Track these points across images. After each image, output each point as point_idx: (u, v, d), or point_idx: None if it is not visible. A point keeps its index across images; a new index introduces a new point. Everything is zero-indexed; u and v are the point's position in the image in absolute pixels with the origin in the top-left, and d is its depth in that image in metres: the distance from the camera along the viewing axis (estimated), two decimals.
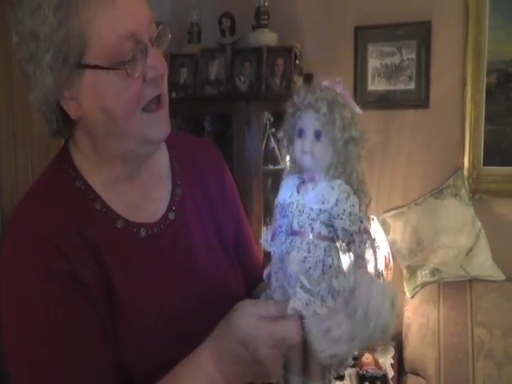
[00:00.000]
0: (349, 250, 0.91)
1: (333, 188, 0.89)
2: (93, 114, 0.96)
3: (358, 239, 0.90)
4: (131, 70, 0.92)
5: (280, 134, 0.99)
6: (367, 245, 0.92)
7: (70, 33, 0.89)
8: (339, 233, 0.89)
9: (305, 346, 0.91)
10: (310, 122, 0.91)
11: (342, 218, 0.88)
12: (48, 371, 0.89)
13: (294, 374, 0.93)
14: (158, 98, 0.98)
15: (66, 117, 0.98)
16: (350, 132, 0.91)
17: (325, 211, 0.88)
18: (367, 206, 0.95)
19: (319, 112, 0.89)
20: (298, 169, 0.95)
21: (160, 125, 1.00)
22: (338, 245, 0.91)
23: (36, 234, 0.94)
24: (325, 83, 0.95)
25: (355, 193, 0.91)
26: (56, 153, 1.10)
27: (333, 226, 0.88)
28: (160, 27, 1.00)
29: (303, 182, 0.93)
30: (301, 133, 0.92)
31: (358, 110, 0.94)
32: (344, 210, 0.88)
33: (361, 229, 0.90)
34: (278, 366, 0.89)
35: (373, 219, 2.88)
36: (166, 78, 1.01)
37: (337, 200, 0.88)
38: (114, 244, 1.00)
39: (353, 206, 0.88)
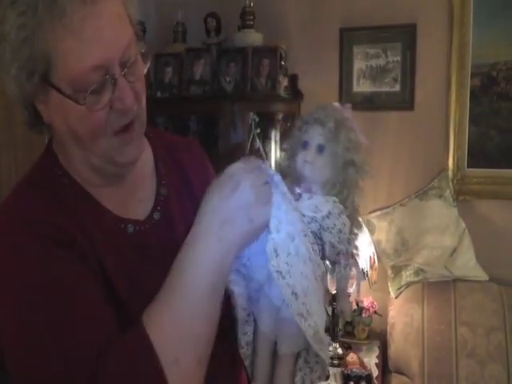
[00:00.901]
0: (333, 271, 0.92)
1: (327, 201, 0.90)
2: (60, 127, 0.95)
3: (343, 261, 0.91)
4: (93, 101, 0.88)
5: (284, 146, 1.01)
6: (352, 271, 0.94)
7: (35, 52, 0.87)
8: (326, 247, 0.90)
9: (274, 355, 0.92)
10: (315, 135, 0.94)
11: (331, 232, 0.89)
12: (41, 331, 0.87)
13: (257, 382, 0.94)
14: (129, 123, 0.95)
15: (41, 116, 0.97)
16: (352, 155, 0.93)
17: (316, 221, 0.88)
18: (357, 236, 0.96)
19: (325, 127, 0.93)
20: (291, 179, 0.96)
21: (128, 149, 0.97)
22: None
23: (24, 216, 0.93)
24: (335, 104, 0.97)
25: (348, 218, 0.91)
26: (41, 152, 1.08)
27: (321, 239, 0.89)
28: (143, 51, 0.97)
29: (299, 194, 0.94)
30: (305, 145, 0.95)
31: (363, 139, 0.96)
32: (334, 225, 0.89)
33: (348, 251, 0.91)
34: (261, 204, 0.90)
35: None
36: (142, 99, 0.98)
37: (329, 213, 0.89)
38: (104, 235, 0.99)
39: (344, 224, 0.90)
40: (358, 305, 2.98)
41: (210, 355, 0.89)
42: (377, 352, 2.94)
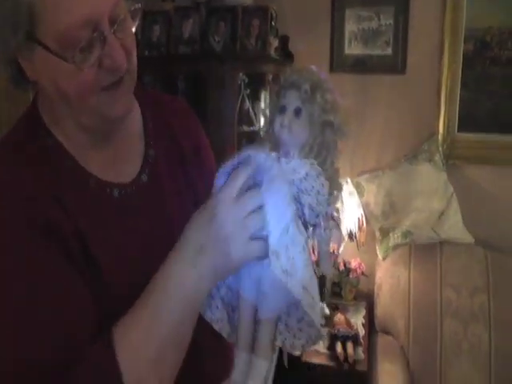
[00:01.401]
0: (313, 234, 0.92)
1: (305, 164, 0.89)
2: (46, 85, 0.92)
3: (323, 223, 0.90)
4: (82, 59, 0.85)
5: (265, 112, 1.00)
6: (332, 233, 0.93)
7: (19, 4, 0.83)
8: (306, 211, 0.89)
9: (256, 321, 0.92)
10: (291, 99, 0.92)
11: (309, 194, 0.88)
12: (23, 312, 0.85)
13: (241, 350, 0.93)
14: (119, 79, 0.92)
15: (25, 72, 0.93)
16: (329, 116, 0.92)
17: (294, 184, 0.88)
18: (337, 198, 0.95)
19: (301, 90, 0.91)
20: (271, 146, 0.95)
21: (118, 104, 0.94)
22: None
23: (2, 186, 0.90)
24: (311, 67, 0.96)
25: (327, 180, 0.91)
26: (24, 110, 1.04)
27: (300, 202, 0.89)
28: (132, 8, 0.93)
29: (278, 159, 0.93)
30: (282, 109, 0.93)
31: (340, 100, 0.95)
32: (313, 187, 0.88)
33: (328, 213, 0.91)
34: (241, 240, 0.86)
35: (347, 182, 2.90)
36: (133, 55, 0.94)
37: (306, 174, 0.88)
38: (87, 202, 0.97)
39: (322, 185, 0.89)
40: (345, 266, 3.00)
41: (174, 377, 0.89)
42: (363, 312, 2.98)
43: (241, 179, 0.87)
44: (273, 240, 0.84)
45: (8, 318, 0.84)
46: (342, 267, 3.00)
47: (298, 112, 0.91)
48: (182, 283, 0.86)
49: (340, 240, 0.94)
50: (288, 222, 0.86)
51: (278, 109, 0.93)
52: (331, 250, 0.94)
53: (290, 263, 0.85)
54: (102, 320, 0.89)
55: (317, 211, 0.89)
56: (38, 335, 0.83)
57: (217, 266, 0.86)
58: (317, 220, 0.90)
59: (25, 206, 0.88)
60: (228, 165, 0.91)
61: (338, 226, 0.96)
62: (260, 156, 0.88)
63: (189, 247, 0.88)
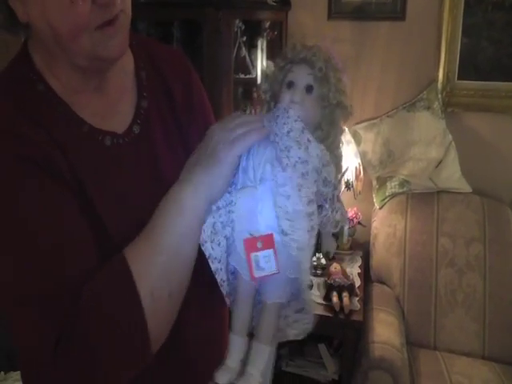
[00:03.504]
0: (319, 214, 0.90)
1: (318, 147, 0.87)
2: (39, 25, 0.89)
3: (329, 204, 0.89)
4: None
5: (263, 87, 0.96)
6: (338, 214, 0.91)
7: None
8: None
9: (257, 305, 0.91)
10: (302, 75, 0.89)
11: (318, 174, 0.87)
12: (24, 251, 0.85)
13: (238, 334, 0.91)
14: (113, 17, 0.89)
15: (16, 15, 0.90)
16: (340, 97, 0.89)
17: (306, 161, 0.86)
18: (340, 178, 0.94)
19: (314, 67, 0.88)
20: None
21: (113, 43, 0.91)
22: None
23: None
24: (320, 44, 0.93)
25: (334, 163, 0.89)
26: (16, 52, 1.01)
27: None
28: None
29: None
30: (290, 85, 0.89)
31: (345, 79, 0.93)
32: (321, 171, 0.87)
33: (334, 195, 0.89)
34: (231, 154, 0.90)
35: (344, 130, 2.88)
36: None
37: (317, 155, 0.86)
38: (79, 147, 0.95)
39: (330, 171, 0.87)
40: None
41: (182, 292, 0.90)
42: (359, 262, 3.00)
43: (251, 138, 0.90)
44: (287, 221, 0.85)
45: (11, 249, 0.86)
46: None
47: (309, 89, 0.88)
48: (180, 199, 0.89)
49: (346, 220, 0.94)
50: (290, 189, 0.85)
51: (284, 84, 0.91)
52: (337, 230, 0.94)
53: (301, 239, 0.85)
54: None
55: (324, 192, 0.88)
56: (41, 264, 0.84)
57: (208, 168, 0.90)
58: (323, 202, 0.89)
59: (20, 143, 0.87)
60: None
61: (343, 207, 0.95)
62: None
63: (187, 166, 0.94)
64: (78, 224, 0.90)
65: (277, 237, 0.86)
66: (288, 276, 0.88)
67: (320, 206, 0.90)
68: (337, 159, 0.92)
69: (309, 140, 0.85)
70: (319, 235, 0.93)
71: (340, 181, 0.90)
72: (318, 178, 0.86)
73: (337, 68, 0.90)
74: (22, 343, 0.87)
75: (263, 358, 0.89)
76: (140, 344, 0.84)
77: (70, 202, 0.90)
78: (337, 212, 0.91)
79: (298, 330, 0.95)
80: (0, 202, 0.86)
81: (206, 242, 0.91)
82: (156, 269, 0.86)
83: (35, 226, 0.85)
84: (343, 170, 0.92)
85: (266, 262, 0.85)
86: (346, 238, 3.02)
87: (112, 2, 0.86)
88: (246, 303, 0.91)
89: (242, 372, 0.88)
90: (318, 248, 2.89)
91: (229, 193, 0.91)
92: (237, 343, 0.90)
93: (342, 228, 2.80)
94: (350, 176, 2.81)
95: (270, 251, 0.85)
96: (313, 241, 0.88)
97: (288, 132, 0.85)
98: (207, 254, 0.91)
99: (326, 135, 0.90)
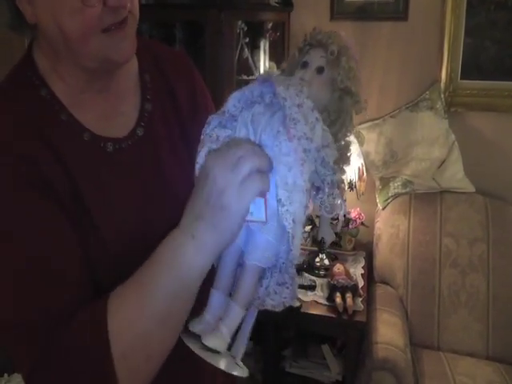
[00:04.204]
0: (315, 197, 0.90)
1: (322, 127, 0.87)
2: (48, 26, 0.89)
3: (327, 189, 0.89)
4: None
5: (282, 66, 0.97)
6: (335, 201, 0.91)
7: None
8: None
9: (241, 263, 0.90)
10: (316, 57, 0.90)
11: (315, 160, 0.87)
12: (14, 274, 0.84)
13: (217, 289, 0.90)
14: (122, 20, 0.89)
15: (24, 16, 0.90)
16: (351, 84, 0.89)
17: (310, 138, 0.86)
18: (343, 170, 0.93)
19: (327, 50, 0.89)
20: None
21: (122, 46, 0.91)
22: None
23: None
24: (340, 32, 0.93)
25: (338, 151, 0.88)
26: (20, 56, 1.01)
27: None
28: None
29: None
30: (304, 65, 0.91)
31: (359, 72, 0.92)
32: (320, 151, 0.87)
33: (332, 181, 0.89)
34: (241, 205, 0.80)
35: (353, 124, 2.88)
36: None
37: (321, 135, 0.86)
38: (80, 156, 0.95)
39: (330, 154, 0.87)
40: (345, 216, 3.00)
41: (165, 352, 0.86)
42: (363, 263, 3.00)
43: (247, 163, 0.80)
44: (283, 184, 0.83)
45: None
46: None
47: (320, 70, 0.89)
48: (179, 255, 0.81)
49: (344, 209, 0.92)
50: (292, 161, 0.84)
51: (298, 64, 0.92)
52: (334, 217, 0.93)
53: (297, 213, 0.84)
54: (100, 281, 0.89)
55: (322, 176, 0.88)
56: (23, 289, 0.83)
57: (215, 224, 0.80)
58: (321, 185, 0.89)
59: (19, 160, 0.87)
60: (245, 91, 0.88)
61: (342, 196, 0.94)
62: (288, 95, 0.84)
63: (188, 216, 0.83)
64: (67, 250, 0.88)
65: (271, 201, 0.84)
66: (271, 241, 0.86)
67: (318, 189, 0.90)
68: (342, 148, 0.91)
69: (317, 119, 0.85)
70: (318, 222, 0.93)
71: (343, 169, 0.89)
72: (317, 156, 0.86)
73: (351, 57, 0.91)
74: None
75: (235, 318, 0.86)
76: None
77: (63, 225, 0.89)
78: (334, 198, 0.91)
79: (276, 301, 0.93)
80: None
81: None
82: (135, 330, 0.81)
83: (24, 245, 0.84)
84: (349, 161, 0.91)
85: (255, 209, 0.83)
86: (341, 231, 3.02)
87: (122, 5, 0.87)
88: (229, 261, 0.91)
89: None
90: (320, 249, 2.91)
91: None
92: (216, 298, 0.89)
93: (338, 220, 2.79)
94: (352, 176, 2.81)
95: (261, 200, 0.83)
96: (305, 219, 0.87)
97: (298, 105, 0.84)
98: None
99: (333, 121, 0.90)
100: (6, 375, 2.24)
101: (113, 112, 1.03)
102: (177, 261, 0.81)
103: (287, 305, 0.93)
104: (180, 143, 1.11)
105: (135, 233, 0.98)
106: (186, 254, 0.81)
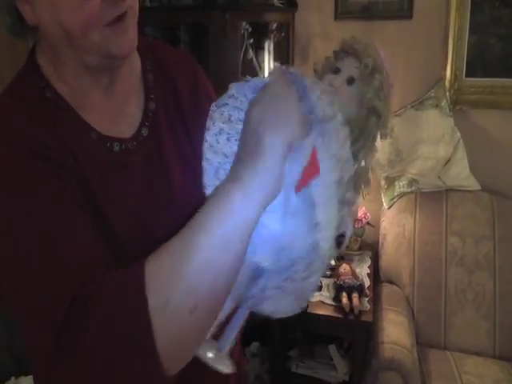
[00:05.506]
0: None
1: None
2: (49, 25, 0.90)
3: (338, 204, 0.88)
4: None
5: (315, 66, 0.95)
6: (343, 218, 0.90)
7: None
8: None
9: None
10: (349, 66, 0.89)
11: None
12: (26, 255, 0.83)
13: None
14: (122, 14, 0.90)
15: (24, 19, 0.91)
16: (379, 104, 0.88)
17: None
18: (359, 192, 0.92)
19: (362, 62, 0.88)
20: None
21: (123, 39, 0.92)
22: None
23: (4, 139, 0.88)
24: (377, 46, 0.92)
25: (356, 173, 0.88)
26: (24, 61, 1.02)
27: None
28: None
29: None
30: (336, 71, 0.90)
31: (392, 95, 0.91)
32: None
33: (343, 198, 0.88)
34: (276, 139, 0.79)
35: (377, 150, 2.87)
36: None
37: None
38: (89, 154, 0.96)
39: (348, 171, 0.87)
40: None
41: (215, 306, 0.81)
42: (368, 262, 3.00)
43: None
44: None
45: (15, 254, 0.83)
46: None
47: (350, 81, 0.88)
48: (226, 202, 0.78)
49: (350, 229, 0.90)
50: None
51: (331, 69, 0.91)
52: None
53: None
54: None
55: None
56: (44, 265, 0.82)
57: (255, 165, 0.79)
58: None
59: (36, 145, 0.87)
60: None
61: (351, 216, 0.92)
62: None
63: (231, 167, 0.84)
64: (86, 232, 0.87)
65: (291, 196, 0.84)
66: (278, 239, 0.85)
67: None
68: (360, 170, 0.90)
69: (346, 136, 0.85)
70: None
71: (358, 190, 0.87)
72: None
73: (385, 74, 0.89)
74: (28, 342, 0.84)
75: (223, 309, 0.86)
76: (148, 365, 0.75)
77: (79, 213, 0.88)
78: (342, 216, 0.89)
79: (273, 308, 0.91)
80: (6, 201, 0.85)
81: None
82: (179, 277, 0.76)
83: (41, 225, 0.83)
84: (368, 185, 0.89)
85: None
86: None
87: None
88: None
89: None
90: None
91: None
92: None
93: (343, 241, 2.79)
94: None
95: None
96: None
97: (330, 117, 0.84)
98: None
99: (356, 139, 0.88)
100: (13, 378, 2.25)
101: (117, 112, 1.03)
102: (229, 205, 0.78)
103: (284, 316, 0.91)
104: (184, 140, 1.11)
105: (145, 231, 0.98)
106: (234, 200, 0.78)
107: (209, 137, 0.92)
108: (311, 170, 0.82)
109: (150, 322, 0.73)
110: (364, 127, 0.89)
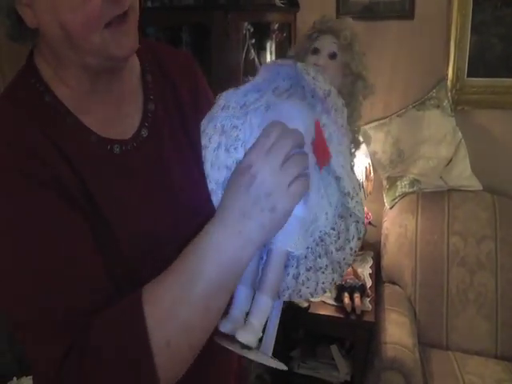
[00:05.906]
0: None
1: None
2: (49, 27, 0.89)
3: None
4: None
5: (289, 53, 0.98)
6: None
7: None
8: None
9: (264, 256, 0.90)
10: (327, 43, 0.93)
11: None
12: (29, 277, 0.84)
13: (243, 283, 0.89)
14: (123, 14, 0.90)
15: (24, 22, 0.90)
16: (363, 69, 0.93)
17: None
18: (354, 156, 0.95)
19: (339, 36, 0.91)
20: None
21: (124, 41, 0.91)
22: None
23: (4, 140, 0.89)
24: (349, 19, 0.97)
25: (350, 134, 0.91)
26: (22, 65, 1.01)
27: None
28: None
29: None
30: (315, 51, 0.93)
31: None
32: None
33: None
34: (290, 207, 0.82)
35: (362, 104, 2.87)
36: None
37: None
38: (88, 158, 0.95)
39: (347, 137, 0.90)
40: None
41: (204, 341, 0.85)
42: (370, 262, 3.00)
43: (284, 148, 0.82)
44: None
45: (18, 267, 0.84)
46: None
47: (332, 56, 0.92)
48: (224, 250, 0.81)
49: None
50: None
51: (309, 50, 0.93)
52: None
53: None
54: (119, 281, 0.88)
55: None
56: (47, 284, 0.83)
57: (264, 224, 0.82)
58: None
59: (28, 158, 0.87)
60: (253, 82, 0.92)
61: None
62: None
63: (232, 211, 0.83)
64: (85, 245, 0.88)
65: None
66: (303, 221, 0.88)
67: None
68: (353, 133, 0.94)
69: (343, 104, 0.88)
70: None
71: (353, 153, 0.91)
72: None
73: (360, 43, 0.94)
74: (31, 356, 0.85)
75: (264, 309, 0.86)
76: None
77: (78, 223, 0.89)
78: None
79: (311, 289, 0.93)
80: (5, 219, 0.85)
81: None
82: (177, 321, 0.80)
83: (44, 244, 0.84)
84: (359, 146, 0.93)
85: None
86: None
87: None
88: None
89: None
90: None
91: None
92: (242, 292, 0.89)
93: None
94: (360, 176, 2.81)
95: None
96: None
97: (327, 93, 0.86)
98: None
99: (347, 104, 0.91)
100: (15, 378, 2.25)
101: (117, 114, 1.03)
102: (221, 254, 0.82)
103: (326, 290, 0.93)
104: (184, 140, 1.11)
105: (146, 232, 0.98)
106: (231, 248, 0.82)
107: (208, 155, 0.94)
108: (324, 149, 0.86)
109: (154, 365, 0.78)
110: (351, 92, 0.93)
